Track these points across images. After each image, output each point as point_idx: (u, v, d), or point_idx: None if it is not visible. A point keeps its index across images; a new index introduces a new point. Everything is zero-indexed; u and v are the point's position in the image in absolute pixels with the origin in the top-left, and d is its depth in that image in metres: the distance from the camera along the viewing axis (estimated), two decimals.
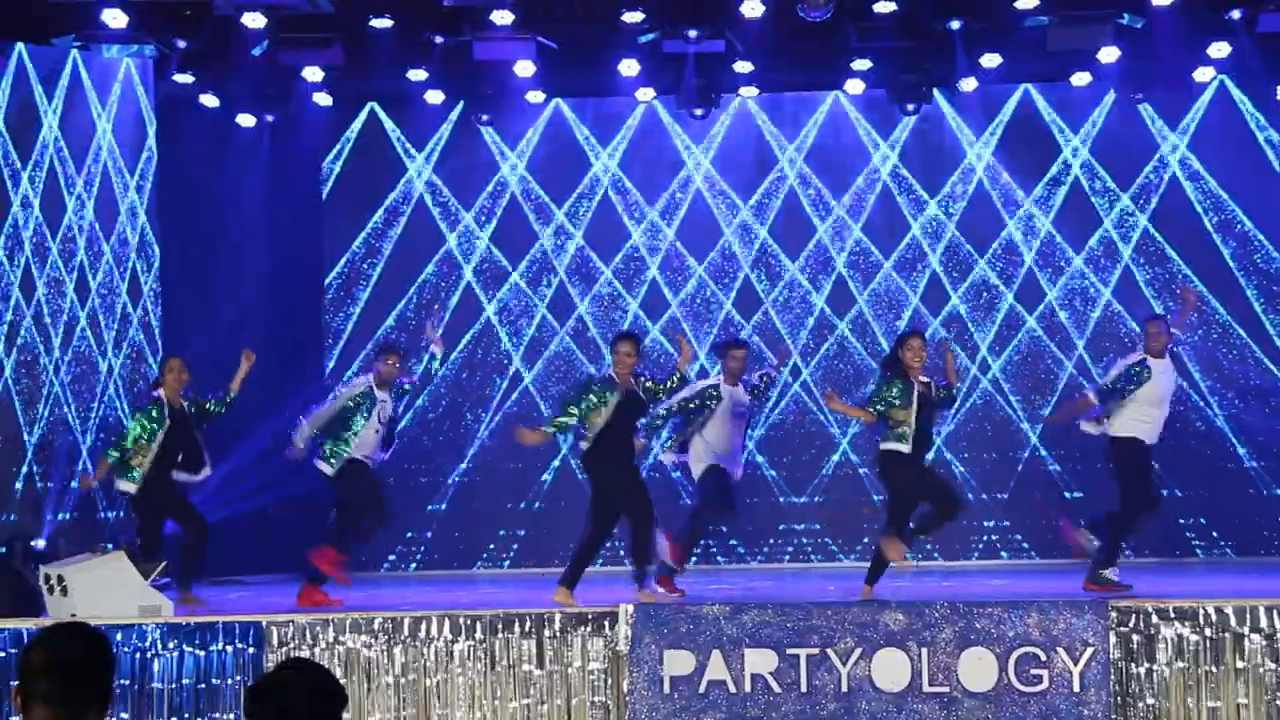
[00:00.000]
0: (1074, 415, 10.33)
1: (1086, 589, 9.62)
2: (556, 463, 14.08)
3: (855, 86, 13.37)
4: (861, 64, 12.78)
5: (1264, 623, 8.51)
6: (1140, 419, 9.77)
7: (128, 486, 10.31)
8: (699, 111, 13.54)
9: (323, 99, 13.40)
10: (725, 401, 10.36)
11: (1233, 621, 8.55)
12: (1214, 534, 13.48)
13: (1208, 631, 8.56)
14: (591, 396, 9.72)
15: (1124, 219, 13.92)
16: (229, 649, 8.86)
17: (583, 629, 8.91)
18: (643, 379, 9.99)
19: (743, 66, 12.75)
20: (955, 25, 12.00)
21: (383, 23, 11.46)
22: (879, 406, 9.64)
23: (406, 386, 10.91)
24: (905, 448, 9.59)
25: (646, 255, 14.29)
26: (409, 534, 14.08)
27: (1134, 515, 9.87)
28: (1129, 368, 9.82)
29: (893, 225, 14.16)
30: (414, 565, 14.10)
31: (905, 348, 9.70)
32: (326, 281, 14.25)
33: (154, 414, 10.31)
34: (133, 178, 13.17)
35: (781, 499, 14.04)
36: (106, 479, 10.77)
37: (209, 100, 12.98)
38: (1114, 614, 8.63)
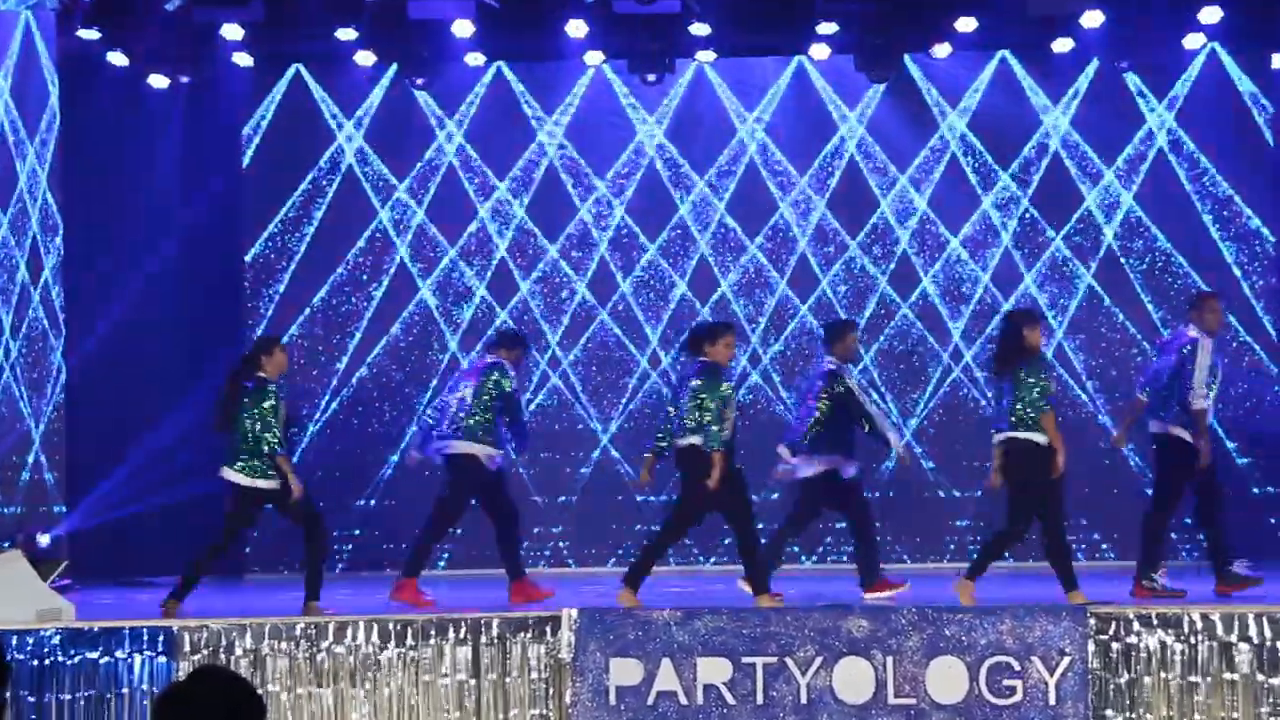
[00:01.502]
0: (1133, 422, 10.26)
1: (1137, 595, 9.67)
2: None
3: (821, 51, 13.36)
4: (827, 27, 12.77)
5: (1253, 631, 8.56)
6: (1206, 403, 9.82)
7: (266, 484, 9.65)
8: (652, 77, 13.48)
9: (243, 59, 13.26)
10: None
11: (1219, 630, 8.59)
12: (1200, 537, 13.53)
13: (1193, 640, 8.59)
14: (726, 391, 9.68)
15: (1108, 194, 13.98)
16: (137, 656, 8.78)
17: (522, 635, 8.88)
18: None
19: (699, 29, 12.70)
20: None
21: None
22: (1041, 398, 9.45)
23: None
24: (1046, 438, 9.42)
25: (595, 232, 14.25)
26: (335, 532, 13.96)
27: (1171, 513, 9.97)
28: (1183, 351, 9.80)
29: (862, 199, 14.17)
30: (340, 566, 14.01)
31: (1038, 326, 9.62)
32: (247, 257, 14.13)
33: (275, 396, 9.62)
34: (32, 143, 13.00)
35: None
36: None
37: (117, 59, 12.81)
38: (1093, 621, 8.66)
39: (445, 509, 10.49)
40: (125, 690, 8.76)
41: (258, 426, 9.51)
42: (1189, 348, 9.80)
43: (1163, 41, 13.08)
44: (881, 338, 14.00)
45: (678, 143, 14.27)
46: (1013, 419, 9.40)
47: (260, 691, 8.72)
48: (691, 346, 9.97)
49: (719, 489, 9.54)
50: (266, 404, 9.52)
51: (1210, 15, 12.39)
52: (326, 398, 14.13)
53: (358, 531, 14.07)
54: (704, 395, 9.58)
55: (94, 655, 8.77)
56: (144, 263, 13.50)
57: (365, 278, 14.18)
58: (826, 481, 10.54)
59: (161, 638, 8.81)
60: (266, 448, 9.51)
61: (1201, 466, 9.78)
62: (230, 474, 9.63)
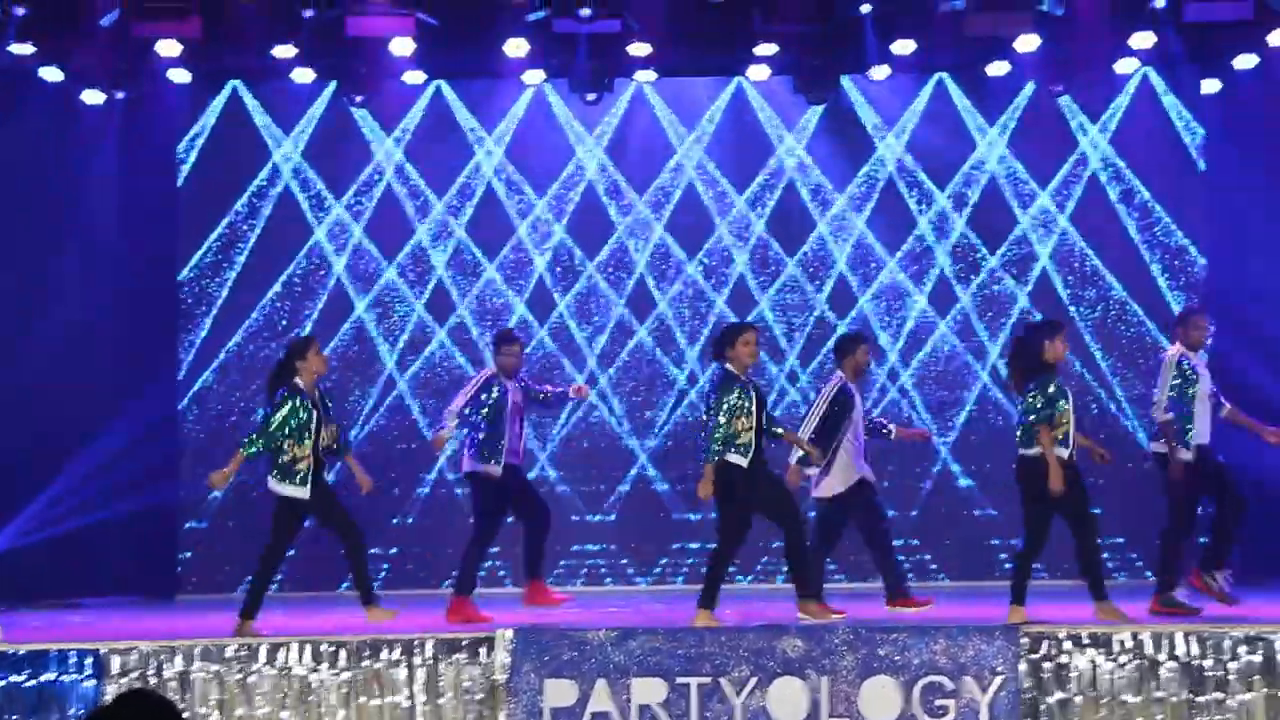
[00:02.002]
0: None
1: (1153, 612, 9.71)
2: (432, 475, 13.98)
3: (759, 72, 13.42)
4: (766, 49, 12.83)
5: (1180, 650, 8.64)
6: (1199, 429, 9.89)
7: (295, 492, 9.52)
8: (592, 96, 13.53)
9: (179, 76, 13.19)
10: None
11: (1149, 649, 8.67)
12: (1132, 555, 13.67)
13: (1123, 660, 8.67)
14: (735, 400, 9.56)
15: (1042, 217, 14.10)
16: (64, 679, 8.68)
17: (457, 656, 8.85)
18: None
19: (639, 49, 12.73)
20: (866, 9, 12.07)
21: None
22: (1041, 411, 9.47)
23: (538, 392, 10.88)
24: (1067, 451, 9.47)
25: (533, 250, 14.24)
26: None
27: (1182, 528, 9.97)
28: (1178, 368, 9.90)
29: (798, 221, 14.23)
30: (273, 586, 13.88)
31: (1059, 337, 9.62)
32: (181, 275, 14.04)
33: (298, 402, 9.48)
34: None
35: (674, 515, 14.05)
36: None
37: (51, 74, 12.71)
38: (1025, 640, 8.71)
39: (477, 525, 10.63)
40: (55, 715, 8.66)
41: (282, 433, 9.45)
42: (1163, 363, 9.99)
43: (1096, 66, 13.27)
44: (815, 361, 14.03)
45: (617, 162, 14.30)
46: (1019, 434, 9.54)
47: (189, 715, 8.68)
48: (714, 353, 9.99)
49: (756, 495, 9.57)
50: (283, 412, 9.45)
51: (1142, 40, 12.53)
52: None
53: (290, 552, 13.95)
54: (712, 405, 9.59)
55: (19, 679, 8.67)
56: (77, 280, 13.39)
57: (302, 295, 14.11)
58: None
59: (90, 660, 8.72)
60: (288, 456, 9.47)
61: (1191, 478, 9.85)
62: (269, 481, 9.61)
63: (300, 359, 9.61)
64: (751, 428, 9.56)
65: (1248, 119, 13.58)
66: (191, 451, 13.90)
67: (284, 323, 14.07)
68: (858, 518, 10.47)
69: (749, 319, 14.04)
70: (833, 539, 10.54)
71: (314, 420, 9.49)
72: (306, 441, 9.46)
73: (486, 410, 10.48)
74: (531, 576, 10.66)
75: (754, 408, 9.60)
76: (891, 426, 11.03)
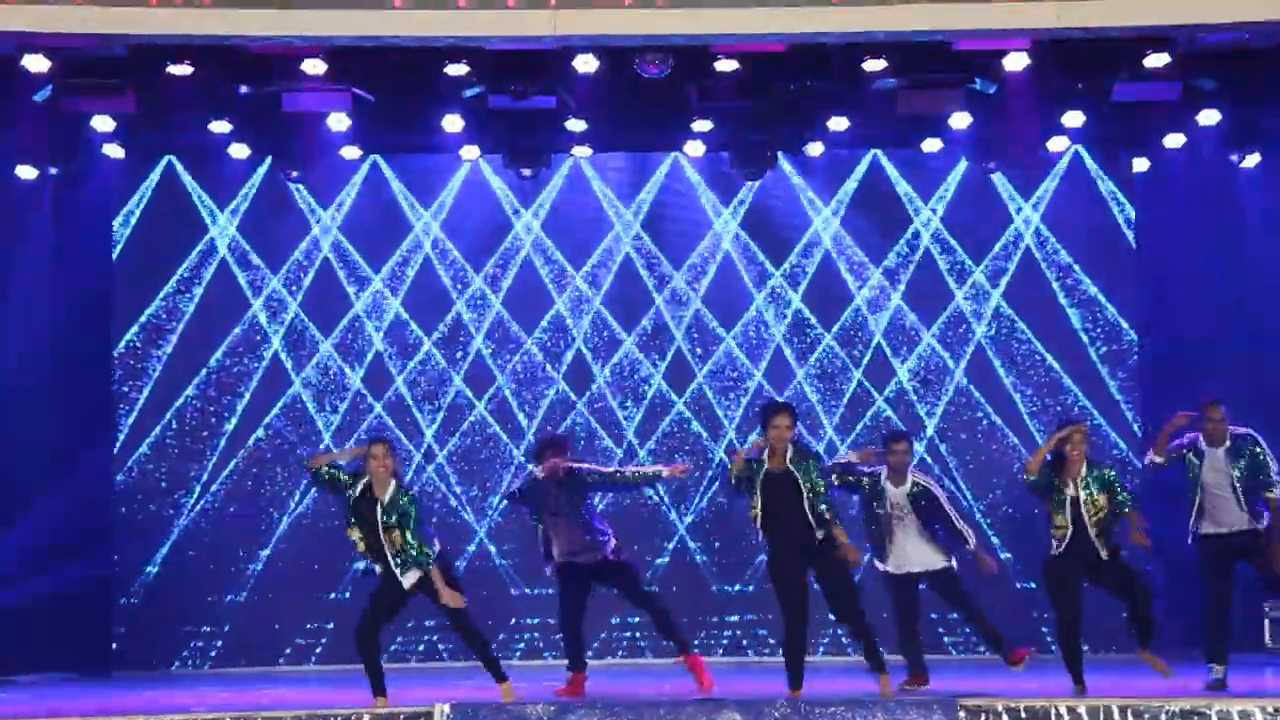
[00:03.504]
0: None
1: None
2: None
3: (695, 148, 13.56)
4: (702, 125, 12.98)
5: None
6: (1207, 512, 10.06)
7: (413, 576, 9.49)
8: (528, 172, 13.65)
9: (114, 151, 13.21)
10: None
11: None
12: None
13: None
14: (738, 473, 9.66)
15: (975, 292, 14.28)
16: None
17: None
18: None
19: (575, 125, 12.85)
20: (801, 87, 12.22)
21: (181, 69, 11.27)
22: None
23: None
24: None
25: (471, 325, 14.28)
26: (205, 628, 13.81)
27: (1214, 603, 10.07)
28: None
29: (735, 296, 14.35)
30: (209, 663, 13.80)
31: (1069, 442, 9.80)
32: (116, 349, 13.98)
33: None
34: None
35: (615, 590, 14.01)
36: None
37: None
38: (963, 713, 8.76)
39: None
40: None
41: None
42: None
43: (1028, 143, 13.46)
44: (754, 431, 14.11)
45: (554, 236, 14.38)
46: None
47: None
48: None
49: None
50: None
51: (1073, 119, 12.77)
52: (198, 491, 13.97)
53: (227, 627, 13.88)
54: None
55: None
56: (13, 353, 13.29)
57: (239, 369, 14.08)
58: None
59: None
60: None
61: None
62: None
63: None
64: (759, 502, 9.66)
65: (1176, 197, 13.84)
66: (126, 525, 13.80)
67: (219, 395, 14.02)
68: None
69: (685, 395, 14.16)
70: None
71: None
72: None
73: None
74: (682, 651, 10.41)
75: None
76: None
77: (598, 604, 13.78)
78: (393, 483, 9.44)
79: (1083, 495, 9.65)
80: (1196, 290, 13.78)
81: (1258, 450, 9.99)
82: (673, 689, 10.22)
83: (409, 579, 9.42)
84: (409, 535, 9.38)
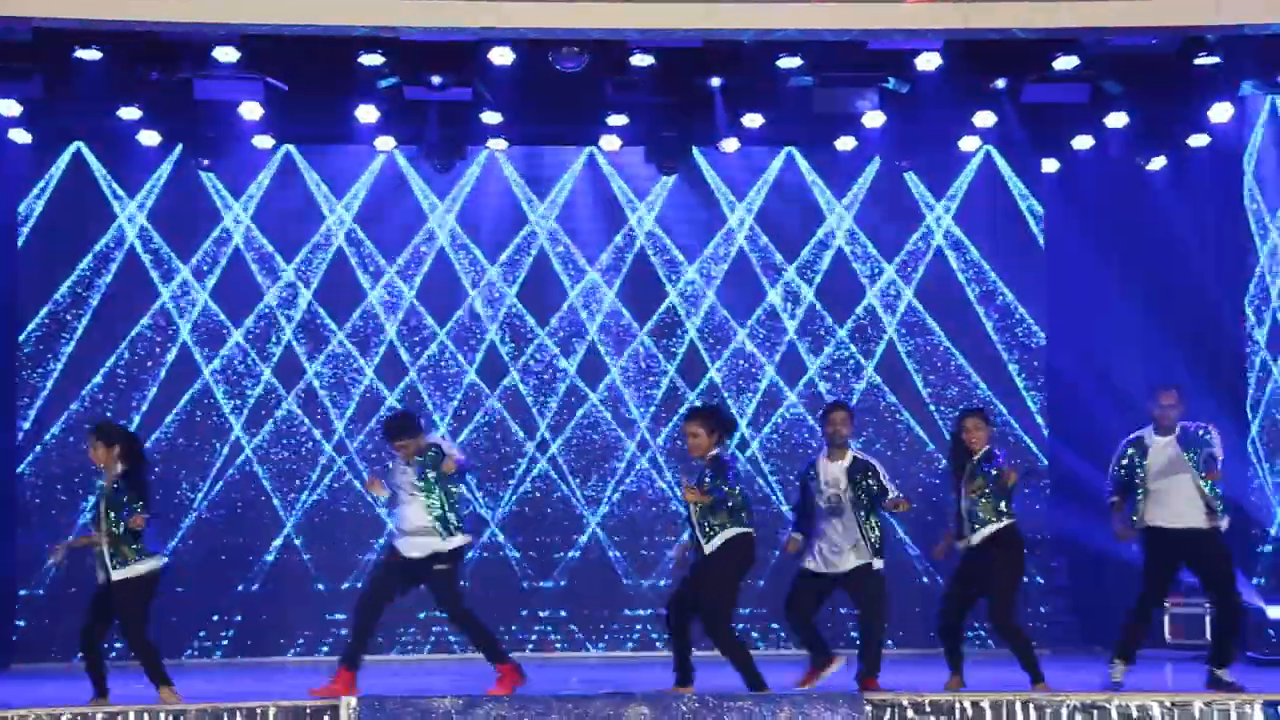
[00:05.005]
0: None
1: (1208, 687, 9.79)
2: (278, 541, 13.86)
3: (611, 142, 13.59)
4: (618, 119, 13.01)
5: (1019, 718, 8.84)
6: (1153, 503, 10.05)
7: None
8: (443, 164, 13.61)
9: (20, 136, 13.04)
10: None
11: (989, 717, 8.85)
12: (976, 623, 13.91)
13: None
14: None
15: (888, 289, 14.42)
16: None
17: None
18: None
19: (491, 117, 12.85)
20: (716, 83, 12.29)
21: (90, 54, 11.16)
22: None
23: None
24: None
25: (383, 315, 14.24)
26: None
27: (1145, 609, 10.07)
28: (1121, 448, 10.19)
29: (650, 290, 14.40)
30: (111, 654, 13.64)
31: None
32: (21, 336, 13.81)
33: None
34: None
35: (525, 583, 14.07)
36: None
37: None
38: (869, 708, 8.87)
39: None
40: None
41: None
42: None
43: (940, 143, 13.66)
44: (664, 431, 14.18)
45: (469, 229, 14.36)
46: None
47: None
48: None
49: None
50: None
51: (984, 120, 12.93)
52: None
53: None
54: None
55: None
56: None
57: (148, 360, 13.95)
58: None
59: None
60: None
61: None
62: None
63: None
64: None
65: (1085, 198, 14.05)
66: (28, 515, 13.64)
67: (126, 385, 13.89)
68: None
69: (598, 390, 14.19)
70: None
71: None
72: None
73: None
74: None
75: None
76: None
77: (507, 597, 13.94)
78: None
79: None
80: (1103, 290, 13.98)
81: (1208, 438, 10.01)
82: (581, 682, 10.24)
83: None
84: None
